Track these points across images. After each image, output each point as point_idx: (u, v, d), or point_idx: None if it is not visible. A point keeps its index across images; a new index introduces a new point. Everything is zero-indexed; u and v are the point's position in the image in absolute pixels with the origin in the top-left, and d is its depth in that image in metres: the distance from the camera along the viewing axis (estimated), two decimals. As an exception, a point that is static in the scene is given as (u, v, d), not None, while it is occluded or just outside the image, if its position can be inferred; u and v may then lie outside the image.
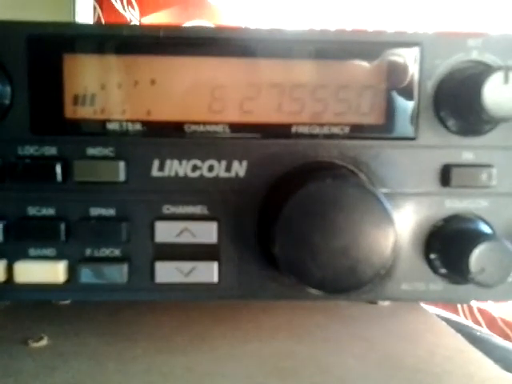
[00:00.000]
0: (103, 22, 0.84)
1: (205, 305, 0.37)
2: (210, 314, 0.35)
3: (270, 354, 0.29)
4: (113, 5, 0.84)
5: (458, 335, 0.34)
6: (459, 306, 0.66)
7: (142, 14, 0.84)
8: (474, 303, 0.66)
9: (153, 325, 0.33)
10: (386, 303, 0.39)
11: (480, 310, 0.67)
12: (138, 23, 0.81)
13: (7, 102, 0.28)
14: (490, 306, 0.66)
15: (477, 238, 0.27)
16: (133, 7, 0.83)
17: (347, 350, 0.30)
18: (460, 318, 0.59)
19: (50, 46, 0.28)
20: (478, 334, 0.44)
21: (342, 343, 0.31)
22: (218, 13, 0.87)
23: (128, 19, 0.84)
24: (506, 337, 0.56)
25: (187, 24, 0.80)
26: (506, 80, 0.25)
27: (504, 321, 0.64)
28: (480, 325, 0.65)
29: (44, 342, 0.30)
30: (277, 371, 0.27)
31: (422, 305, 0.40)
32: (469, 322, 0.60)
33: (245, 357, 0.29)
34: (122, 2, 0.83)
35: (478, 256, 0.26)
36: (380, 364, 0.28)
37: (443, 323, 0.37)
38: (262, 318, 0.35)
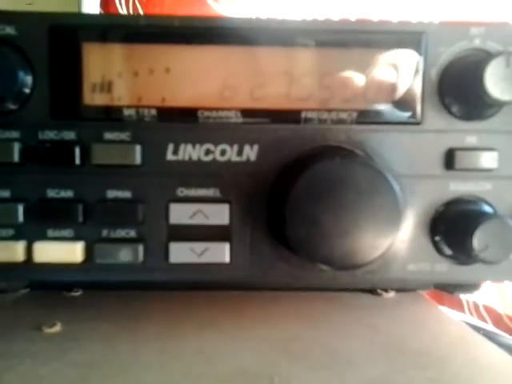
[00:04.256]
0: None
1: (213, 294, 0.38)
2: (218, 302, 0.36)
3: (278, 338, 0.30)
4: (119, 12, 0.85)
5: (462, 323, 0.34)
6: (465, 303, 0.66)
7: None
8: (480, 301, 0.66)
9: (163, 312, 0.34)
10: (390, 294, 0.40)
11: (486, 308, 0.67)
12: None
13: (28, 90, 0.29)
14: (496, 303, 0.66)
15: (480, 217, 0.27)
16: (139, 15, 0.84)
17: (353, 335, 0.31)
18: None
19: (71, 36, 0.29)
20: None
21: (348, 329, 0.32)
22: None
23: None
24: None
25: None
26: (508, 64, 0.26)
27: (510, 318, 0.64)
28: (486, 322, 0.65)
29: (57, 328, 0.31)
30: (285, 352, 0.28)
31: (426, 296, 0.41)
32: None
33: (253, 340, 0.30)
34: (128, 12, 0.84)
35: (481, 233, 0.27)
36: (385, 348, 0.29)
37: (446, 313, 0.37)
38: (270, 307, 0.36)
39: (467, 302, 0.66)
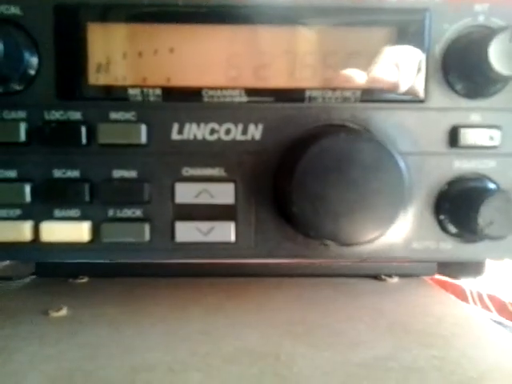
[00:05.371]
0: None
1: (218, 280, 0.38)
2: (223, 289, 0.36)
3: (283, 321, 0.30)
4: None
5: (467, 306, 0.35)
6: (469, 292, 0.66)
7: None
8: (484, 290, 0.66)
9: (168, 298, 0.34)
10: (394, 280, 0.40)
11: (490, 296, 0.67)
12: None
13: (33, 71, 0.29)
14: (500, 292, 0.66)
15: (484, 192, 0.27)
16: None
17: (357, 318, 0.31)
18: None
19: (76, 15, 0.29)
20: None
21: (353, 312, 0.32)
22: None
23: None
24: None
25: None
26: (512, 39, 0.26)
27: (515, 306, 0.64)
28: (490, 310, 0.65)
29: (64, 312, 0.31)
30: (290, 334, 0.28)
31: (429, 281, 0.41)
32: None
33: (258, 323, 0.30)
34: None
35: (485, 209, 0.27)
36: (390, 329, 0.29)
37: (451, 296, 0.37)
38: (274, 292, 0.36)
39: (471, 292, 0.66)
